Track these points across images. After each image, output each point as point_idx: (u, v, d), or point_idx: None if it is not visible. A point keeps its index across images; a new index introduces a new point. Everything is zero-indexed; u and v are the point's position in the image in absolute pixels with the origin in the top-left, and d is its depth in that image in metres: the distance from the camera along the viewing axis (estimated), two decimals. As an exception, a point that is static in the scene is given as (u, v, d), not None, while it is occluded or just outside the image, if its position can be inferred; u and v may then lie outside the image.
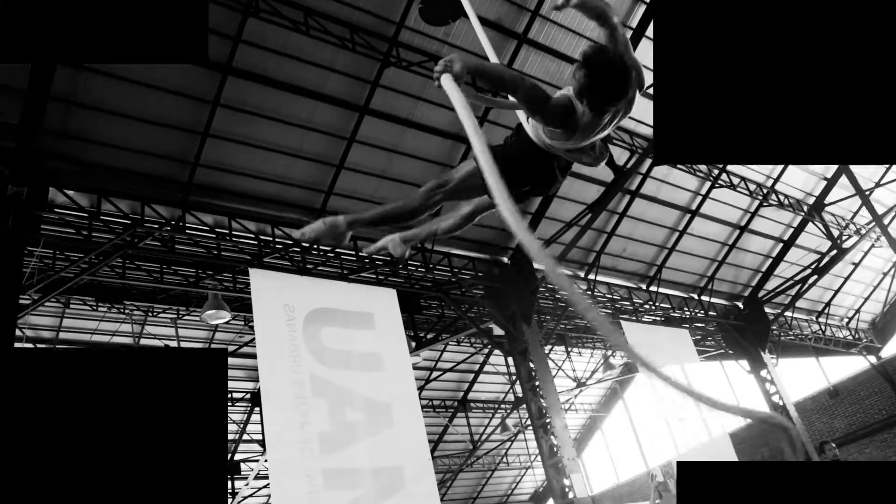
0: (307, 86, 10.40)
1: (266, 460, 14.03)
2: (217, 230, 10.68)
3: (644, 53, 12.32)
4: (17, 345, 10.14)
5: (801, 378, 20.96)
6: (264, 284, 10.19)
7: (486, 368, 20.59)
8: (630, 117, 14.14)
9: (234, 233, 10.83)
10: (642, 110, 13.10)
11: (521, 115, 3.24)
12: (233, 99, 10.06)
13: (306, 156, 11.08)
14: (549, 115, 2.95)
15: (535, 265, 13.77)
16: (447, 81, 2.52)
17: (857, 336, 21.18)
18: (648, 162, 13.65)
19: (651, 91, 12.32)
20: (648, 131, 13.40)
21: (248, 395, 17.31)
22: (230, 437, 18.21)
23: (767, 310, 18.37)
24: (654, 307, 16.38)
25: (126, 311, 13.83)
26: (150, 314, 14.18)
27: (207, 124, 10.07)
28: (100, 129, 9.53)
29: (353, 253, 11.97)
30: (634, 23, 12.03)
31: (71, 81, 8.99)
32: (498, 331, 14.44)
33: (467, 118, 2.20)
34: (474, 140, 2.09)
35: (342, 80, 10.67)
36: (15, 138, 8.45)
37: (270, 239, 11.12)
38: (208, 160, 10.40)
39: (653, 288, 16.55)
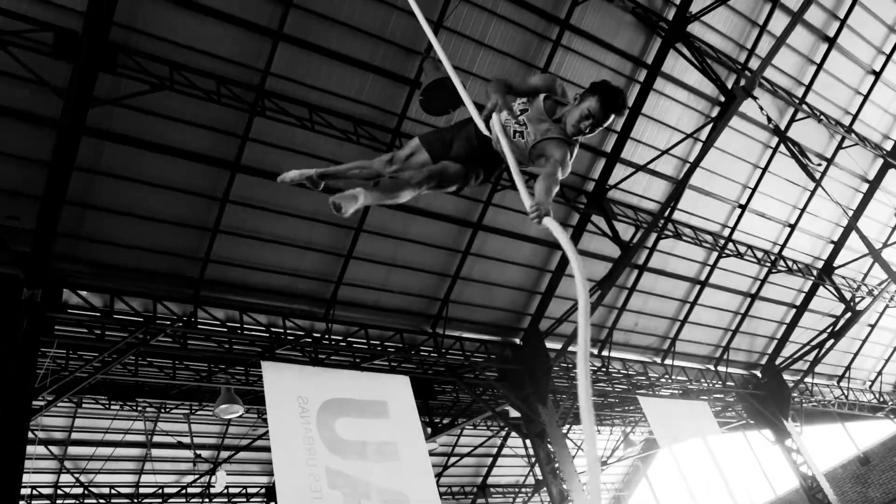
0: (314, 179, 10.60)
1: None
2: (229, 324, 10.72)
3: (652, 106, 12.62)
4: (29, 447, 10.02)
5: (829, 446, 20.41)
6: (277, 377, 10.16)
7: (505, 451, 20.18)
8: (633, 192, 14.09)
9: (245, 326, 10.85)
10: (644, 187, 13.31)
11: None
12: (242, 195, 10.28)
13: (315, 247, 11.21)
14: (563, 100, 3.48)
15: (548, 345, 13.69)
16: (496, 119, 3.26)
17: (881, 399, 20.72)
18: (654, 236, 13.74)
19: (651, 167, 12.36)
20: (651, 206, 13.55)
21: (263, 490, 16.97)
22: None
23: (786, 377, 18.05)
24: (670, 380, 16.15)
25: (139, 409, 13.76)
26: (162, 410, 14.10)
27: (217, 221, 10.27)
28: (112, 230, 9.73)
29: (365, 342, 11.95)
30: (642, 77, 12.35)
31: (85, 185, 9.24)
32: (514, 413, 14.22)
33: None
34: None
35: (348, 172, 10.89)
36: (30, 243, 8.64)
37: (282, 331, 11.13)
38: (219, 256, 10.56)
39: (668, 361, 16.36)
